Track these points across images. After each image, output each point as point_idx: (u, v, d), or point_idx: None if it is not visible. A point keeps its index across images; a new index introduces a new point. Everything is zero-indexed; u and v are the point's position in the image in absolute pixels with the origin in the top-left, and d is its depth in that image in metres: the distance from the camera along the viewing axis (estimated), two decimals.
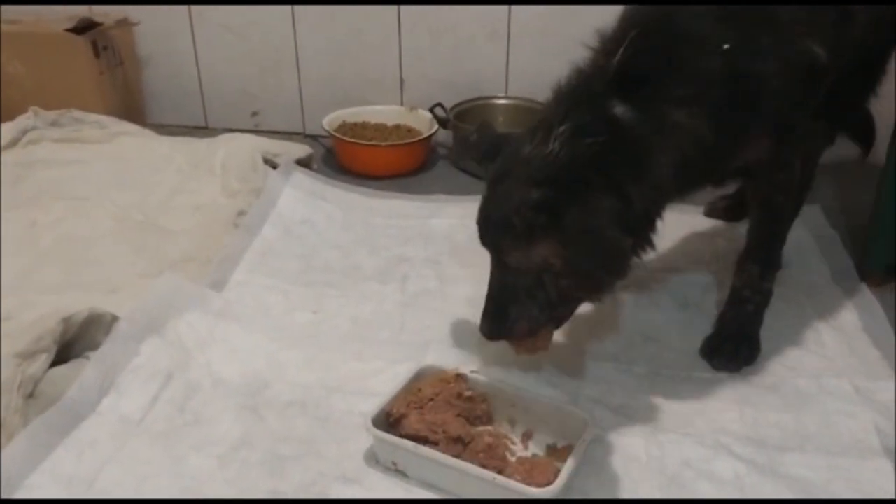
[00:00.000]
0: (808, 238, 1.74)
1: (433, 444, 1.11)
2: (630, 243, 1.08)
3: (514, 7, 2.14)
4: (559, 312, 1.18)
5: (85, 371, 1.23)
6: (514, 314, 1.16)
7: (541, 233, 1.07)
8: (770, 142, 1.23)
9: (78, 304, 1.29)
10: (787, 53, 1.13)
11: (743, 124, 1.16)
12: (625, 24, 1.13)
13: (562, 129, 1.06)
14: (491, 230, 1.15)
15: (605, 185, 1.05)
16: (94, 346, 1.28)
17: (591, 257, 1.06)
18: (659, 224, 1.17)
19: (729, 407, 1.26)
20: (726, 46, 1.09)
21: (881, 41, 1.41)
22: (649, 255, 1.20)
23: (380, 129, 2.21)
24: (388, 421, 1.15)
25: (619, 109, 1.07)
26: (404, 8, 2.18)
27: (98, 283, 1.51)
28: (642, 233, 1.14)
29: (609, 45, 1.13)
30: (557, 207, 1.04)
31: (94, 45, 2.15)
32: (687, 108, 1.09)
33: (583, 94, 1.10)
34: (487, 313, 1.18)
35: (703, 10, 1.12)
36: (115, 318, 1.32)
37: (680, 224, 1.82)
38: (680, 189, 1.19)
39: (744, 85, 1.12)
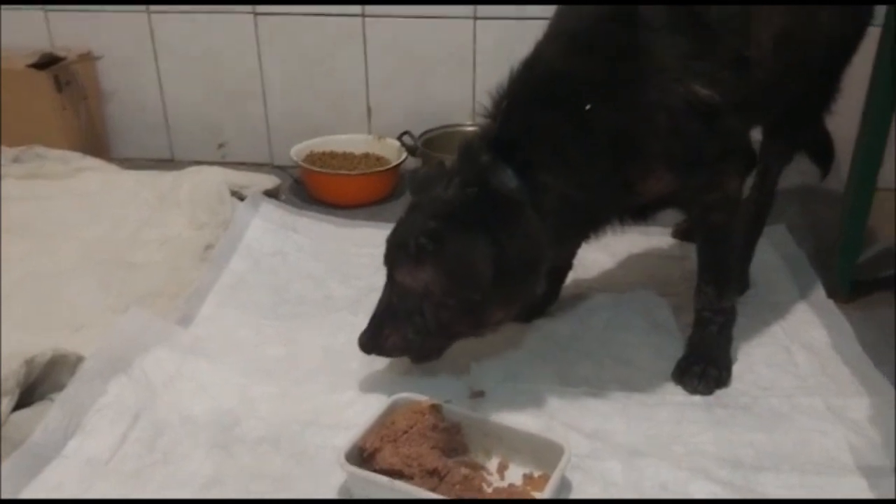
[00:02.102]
0: (775, 257, 1.76)
1: (408, 477, 1.09)
2: (491, 278, 1.17)
3: (479, 35, 2.15)
4: (433, 342, 1.29)
5: (49, 413, 1.20)
6: (388, 332, 1.28)
7: (427, 257, 1.20)
8: (674, 176, 1.26)
9: (43, 343, 1.26)
10: (664, 100, 1.17)
11: (624, 171, 1.23)
12: (506, 89, 1.25)
13: (456, 179, 1.22)
14: (392, 249, 1.27)
15: (480, 229, 1.18)
16: (59, 388, 1.25)
17: (460, 282, 1.20)
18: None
19: (704, 429, 1.26)
20: (588, 107, 1.17)
21: (829, 59, 1.44)
22: None
23: (348, 158, 2.21)
24: (362, 455, 1.13)
25: (492, 169, 1.20)
26: (370, 37, 2.19)
27: (64, 321, 1.48)
28: (525, 279, 1.24)
29: (494, 109, 1.26)
30: (443, 237, 1.19)
31: (56, 79, 2.13)
32: (552, 171, 1.20)
33: (472, 151, 1.23)
34: (368, 327, 1.30)
35: (572, 71, 1.20)
36: (80, 359, 1.29)
37: (648, 245, 1.83)
38: (572, 236, 1.34)
39: (617, 137, 1.19)
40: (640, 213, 1.38)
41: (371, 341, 1.30)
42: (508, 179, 1.19)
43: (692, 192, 1.31)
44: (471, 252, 1.17)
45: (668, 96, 1.18)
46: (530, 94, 1.23)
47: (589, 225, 1.32)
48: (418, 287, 1.23)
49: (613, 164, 1.21)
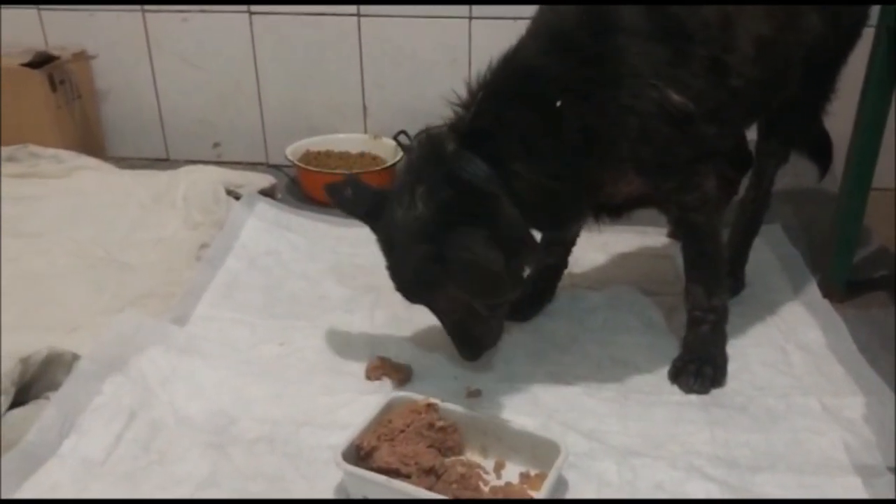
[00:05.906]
0: (770, 257, 1.76)
1: (405, 476, 1.09)
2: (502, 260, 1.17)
3: (474, 34, 2.15)
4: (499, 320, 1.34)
5: (45, 412, 1.19)
6: (479, 334, 1.32)
7: (441, 279, 1.21)
8: (644, 180, 1.28)
9: (37, 343, 1.26)
10: (636, 104, 1.18)
11: (593, 168, 1.24)
12: (479, 83, 1.25)
13: (420, 190, 1.20)
14: (410, 294, 1.28)
15: (467, 223, 1.17)
16: (55, 387, 1.25)
17: (475, 279, 1.18)
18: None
19: (700, 428, 1.26)
20: (559, 104, 1.18)
21: (820, 61, 1.44)
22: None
23: (344, 157, 2.21)
24: (359, 454, 1.13)
25: (460, 159, 1.19)
26: (365, 36, 2.19)
27: (58, 322, 1.47)
28: (519, 255, 1.25)
29: (469, 98, 1.25)
30: (440, 254, 1.17)
31: (51, 78, 2.12)
32: (524, 161, 1.20)
33: (434, 153, 1.22)
34: (462, 343, 1.33)
35: (547, 69, 1.20)
36: (75, 357, 1.29)
37: (643, 244, 1.83)
38: (544, 227, 1.34)
39: (589, 137, 1.20)
40: (616, 212, 1.39)
41: (471, 350, 1.33)
42: (478, 169, 1.19)
43: (666, 193, 1.32)
44: (467, 243, 1.15)
45: (640, 101, 1.18)
46: (505, 88, 1.23)
47: (562, 215, 1.31)
48: (456, 304, 1.26)
49: (585, 162, 1.22)
